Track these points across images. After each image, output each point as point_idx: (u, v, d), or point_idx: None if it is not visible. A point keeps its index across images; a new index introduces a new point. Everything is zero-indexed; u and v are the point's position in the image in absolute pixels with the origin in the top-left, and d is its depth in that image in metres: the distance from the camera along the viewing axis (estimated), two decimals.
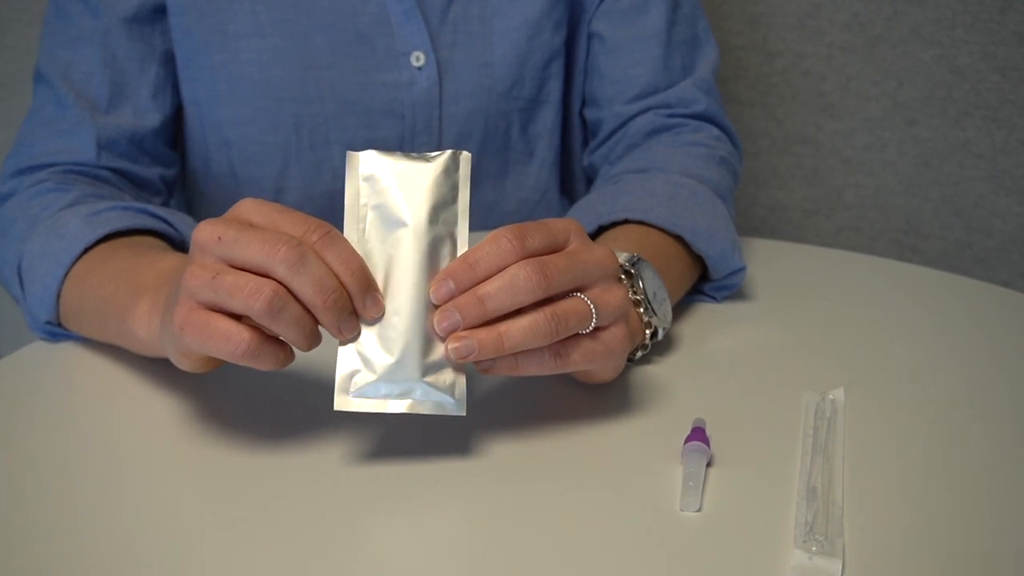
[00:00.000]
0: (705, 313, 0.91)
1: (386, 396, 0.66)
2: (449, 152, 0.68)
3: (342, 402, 0.66)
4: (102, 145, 0.95)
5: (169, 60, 1.00)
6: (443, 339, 0.65)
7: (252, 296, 0.61)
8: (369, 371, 0.66)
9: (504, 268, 0.65)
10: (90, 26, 0.97)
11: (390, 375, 0.65)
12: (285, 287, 0.62)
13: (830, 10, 1.40)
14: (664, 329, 0.80)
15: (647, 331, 0.78)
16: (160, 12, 0.98)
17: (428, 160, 0.68)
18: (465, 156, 0.68)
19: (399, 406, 0.66)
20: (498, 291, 0.64)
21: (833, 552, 0.59)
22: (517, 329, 0.64)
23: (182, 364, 0.69)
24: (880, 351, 0.85)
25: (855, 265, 1.05)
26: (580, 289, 0.67)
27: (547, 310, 0.65)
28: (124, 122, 0.97)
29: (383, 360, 0.65)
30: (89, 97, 0.96)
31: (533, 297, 0.64)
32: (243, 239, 0.62)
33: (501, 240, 0.65)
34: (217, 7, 0.97)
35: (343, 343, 0.66)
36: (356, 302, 0.64)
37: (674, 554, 0.61)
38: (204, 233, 0.64)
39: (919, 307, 0.93)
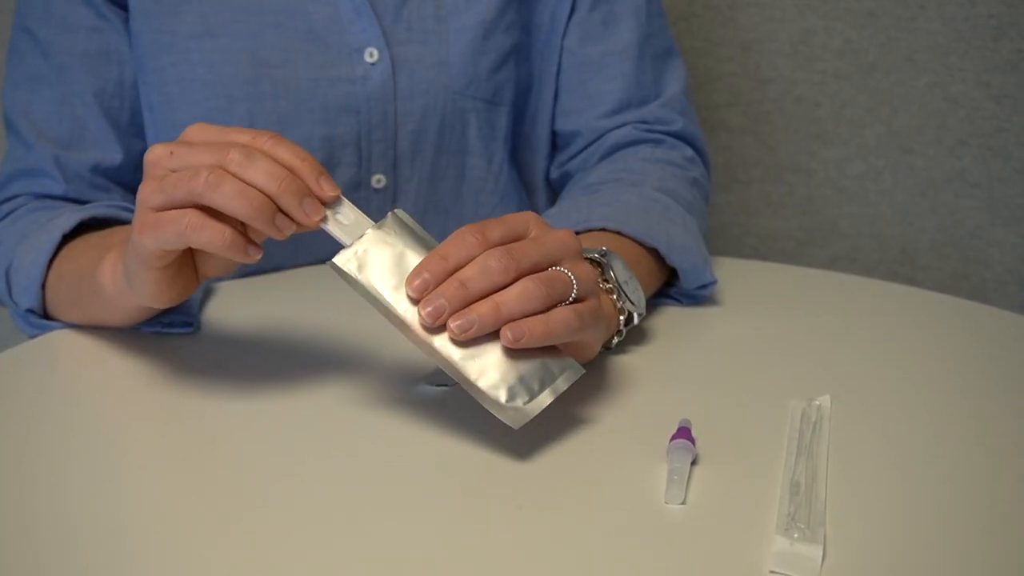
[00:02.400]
0: (694, 320, 0.90)
1: (539, 393, 0.68)
2: (389, 214, 0.70)
3: (524, 415, 0.67)
4: (68, 179, 0.97)
5: (132, 89, 1.00)
6: (431, 325, 0.66)
7: (192, 179, 0.65)
8: (514, 387, 0.67)
9: (472, 258, 0.67)
10: (44, 65, 0.97)
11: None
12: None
13: (823, 37, 1.40)
14: (639, 315, 0.80)
15: (621, 317, 0.78)
16: (114, 45, 0.98)
17: (379, 227, 0.70)
18: (399, 211, 0.71)
19: (548, 397, 0.68)
20: (476, 275, 0.66)
21: (815, 539, 0.58)
22: (511, 297, 0.67)
23: (146, 283, 0.71)
24: (868, 363, 0.84)
25: (849, 283, 1.05)
26: (552, 266, 0.69)
27: (534, 276, 0.67)
28: (87, 157, 0.98)
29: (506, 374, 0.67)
30: (51, 136, 0.97)
31: (506, 278, 0.67)
32: (194, 151, 0.67)
33: (465, 235, 0.68)
34: (166, 9, 0.98)
35: (313, 227, 0.68)
36: (311, 184, 0.67)
37: (659, 544, 0.61)
38: (156, 151, 0.68)
39: (911, 324, 0.93)
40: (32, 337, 0.88)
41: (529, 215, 0.71)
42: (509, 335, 0.66)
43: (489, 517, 0.63)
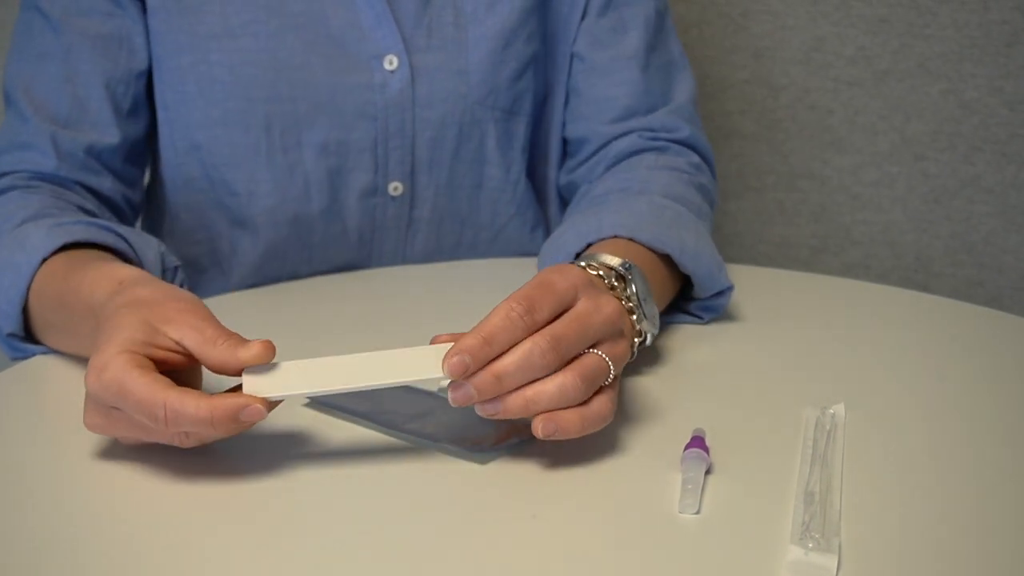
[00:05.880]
0: (707, 329, 0.90)
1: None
2: None
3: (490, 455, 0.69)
4: (61, 156, 0.95)
5: (139, 79, 1.00)
6: (456, 405, 0.65)
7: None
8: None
9: (516, 342, 0.65)
10: (53, 42, 0.97)
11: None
12: None
13: (836, 44, 1.40)
14: (652, 335, 0.79)
15: (636, 339, 0.77)
16: (127, 33, 0.99)
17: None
18: None
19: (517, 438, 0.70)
20: (516, 369, 0.65)
21: (829, 548, 0.58)
22: (546, 398, 0.65)
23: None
24: (883, 370, 0.84)
25: (861, 291, 1.04)
26: (593, 346, 0.68)
27: (574, 372, 0.66)
28: (83, 136, 0.97)
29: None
30: (49, 111, 0.96)
31: (546, 372, 0.65)
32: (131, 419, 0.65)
33: (511, 314, 0.65)
34: (186, 7, 0.98)
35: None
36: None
37: (673, 553, 0.60)
38: (91, 386, 0.65)
39: (925, 331, 0.92)
40: (15, 360, 0.85)
41: (576, 280, 0.69)
42: (540, 430, 0.65)
43: (503, 526, 0.63)
